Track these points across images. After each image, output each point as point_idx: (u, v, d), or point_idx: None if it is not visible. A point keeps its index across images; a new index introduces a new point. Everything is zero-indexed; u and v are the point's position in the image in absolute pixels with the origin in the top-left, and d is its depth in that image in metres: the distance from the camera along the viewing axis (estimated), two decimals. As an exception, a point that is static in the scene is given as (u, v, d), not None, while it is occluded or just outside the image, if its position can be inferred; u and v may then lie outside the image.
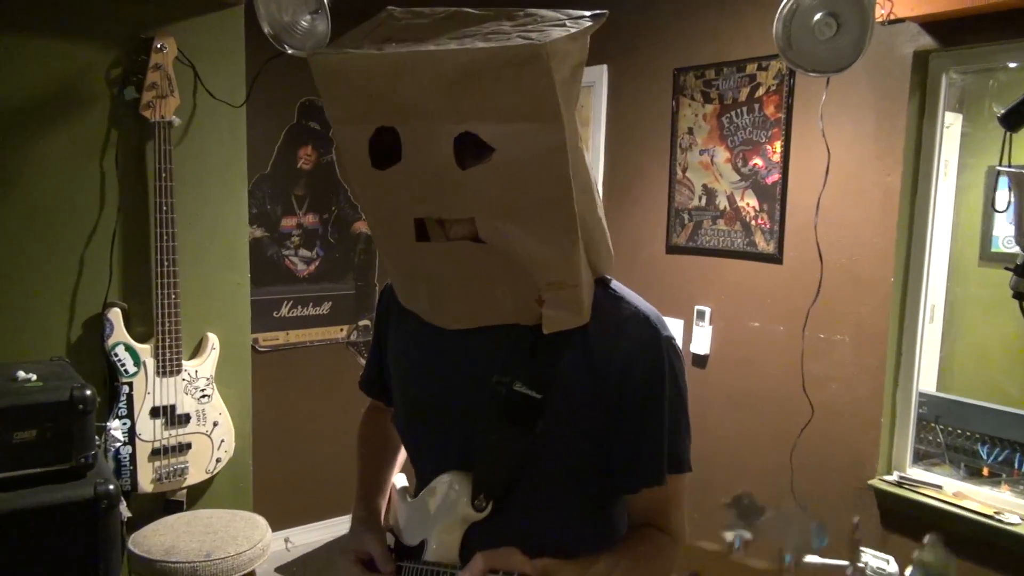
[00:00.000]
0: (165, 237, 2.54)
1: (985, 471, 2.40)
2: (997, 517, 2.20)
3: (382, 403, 1.38)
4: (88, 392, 1.96)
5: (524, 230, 1.01)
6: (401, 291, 1.18)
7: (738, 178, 2.91)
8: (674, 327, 3.13)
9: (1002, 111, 1.21)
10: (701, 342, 3.02)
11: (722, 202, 2.97)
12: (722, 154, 2.96)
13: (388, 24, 1.07)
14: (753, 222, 2.87)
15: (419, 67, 0.95)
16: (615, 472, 1.12)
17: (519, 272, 1.05)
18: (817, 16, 2.11)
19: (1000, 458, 2.38)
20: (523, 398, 1.05)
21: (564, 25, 0.98)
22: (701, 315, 3.03)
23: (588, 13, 1.01)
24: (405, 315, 1.20)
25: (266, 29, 2.38)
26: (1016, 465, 2.34)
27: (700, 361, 3.04)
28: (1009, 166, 1.19)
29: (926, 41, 2.38)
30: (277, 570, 3.50)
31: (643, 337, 1.10)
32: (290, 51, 2.44)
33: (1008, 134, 1.23)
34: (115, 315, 2.55)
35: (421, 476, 1.20)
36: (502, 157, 0.96)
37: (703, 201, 3.04)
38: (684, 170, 3.11)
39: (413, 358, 1.22)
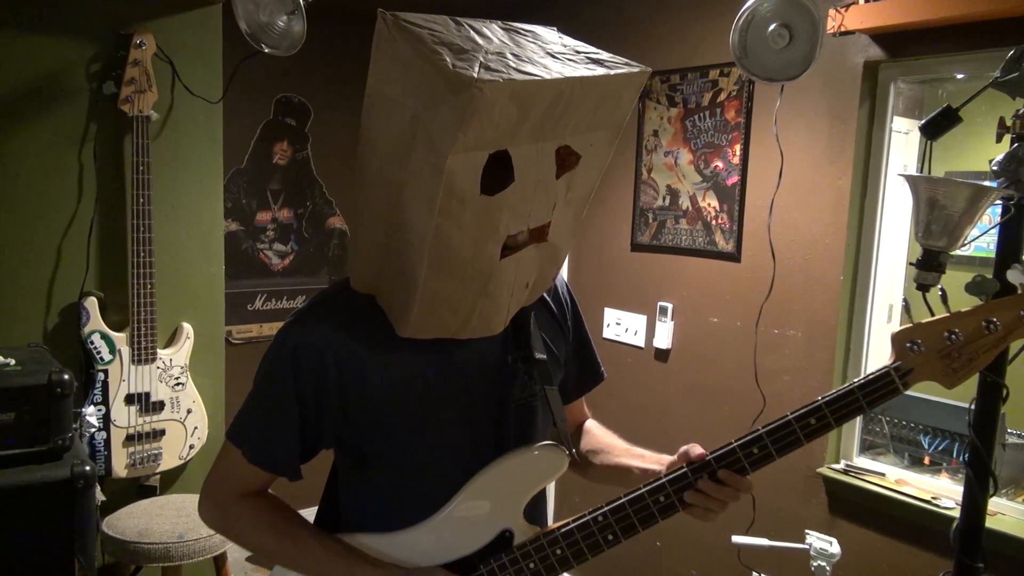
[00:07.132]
0: (142, 228, 2.60)
1: (926, 460, 2.54)
2: (934, 502, 2.33)
3: (285, 477, 1.25)
4: (66, 376, 2.02)
5: (577, 217, 1.18)
6: (418, 321, 1.11)
7: (700, 179, 3.02)
8: (637, 322, 3.25)
9: (922, 121, 1.32)
10: (663, 337, 3.13)
11: (685, 202, 3.08)
12: (685, 156, 3.07)
13: (460, 41, 0.98)
14: (714, 222, 2.98)
15: (576, 93, 0.99)
16: (581, 379, 1.41)
17: (551, 256, 1.18)
18: (771, 27, 2.22)
19: (940, 447, 2.52)
20: (539, 362, 1.23)
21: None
22: (664, 311, 3.14)
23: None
24: (375, 357, 1.16)
25: (243, 28, 2.45)
26: (954, 454, 2.47)
27: (662, 355, 3.15)
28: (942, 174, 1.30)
29: (875, 52, 2.51)
30: (248, 559, 3.55)
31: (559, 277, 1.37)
32: (267, 50, 2.52)
33: (927, 142, 1.34)
34: (91, 304, 2.61)
35: (427, 497, 1.20)
36: (583, 163, 1.10)
37: (667, 201, 3.15)
38: (649, 171, 3.22)
39: (419, 381, 1.19)
